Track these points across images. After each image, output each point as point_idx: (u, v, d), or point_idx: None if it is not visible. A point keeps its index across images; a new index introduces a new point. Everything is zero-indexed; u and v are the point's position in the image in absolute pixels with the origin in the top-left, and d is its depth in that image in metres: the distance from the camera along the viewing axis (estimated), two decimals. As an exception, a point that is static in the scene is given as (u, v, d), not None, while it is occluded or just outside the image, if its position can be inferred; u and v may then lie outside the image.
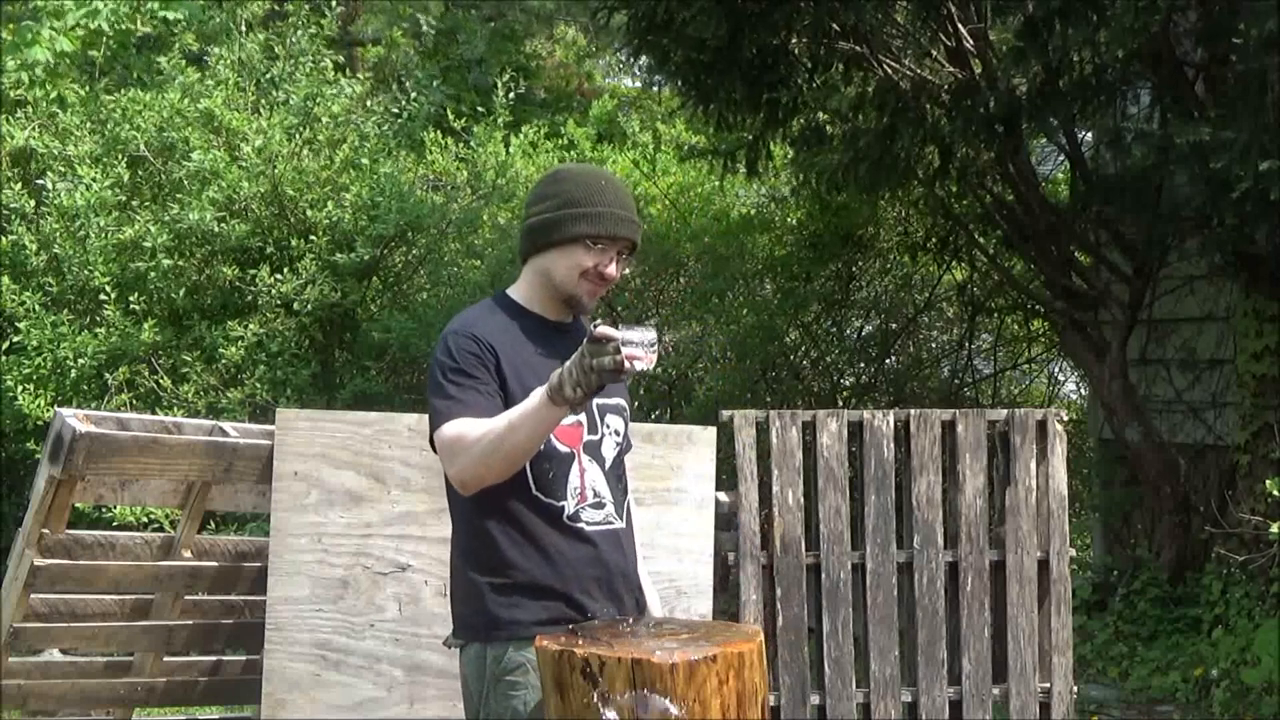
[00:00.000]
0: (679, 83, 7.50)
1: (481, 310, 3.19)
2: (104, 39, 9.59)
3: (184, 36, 9.35)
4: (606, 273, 3.12)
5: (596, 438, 3.13)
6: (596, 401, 3.09)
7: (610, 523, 3.11)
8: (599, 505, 3.10)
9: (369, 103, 9.64)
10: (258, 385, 7.97)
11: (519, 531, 3.03)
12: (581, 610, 3.05)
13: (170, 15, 9.89)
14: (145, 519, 7.54)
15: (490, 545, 3.03)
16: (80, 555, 4.51)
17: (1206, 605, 6.86)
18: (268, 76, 9.35)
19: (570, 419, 3.02)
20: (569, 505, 3.06)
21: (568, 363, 2.82)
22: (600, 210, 3.10)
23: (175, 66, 9.19)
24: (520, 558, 3.03)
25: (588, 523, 3.08)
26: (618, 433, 3.17)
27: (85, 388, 8.03)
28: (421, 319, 8.80)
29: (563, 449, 3.07)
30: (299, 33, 9.40)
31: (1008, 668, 4.97)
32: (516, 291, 3.20)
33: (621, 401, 3.22)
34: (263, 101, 9.22)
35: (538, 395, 2.87)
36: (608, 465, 3.13)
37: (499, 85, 9.84)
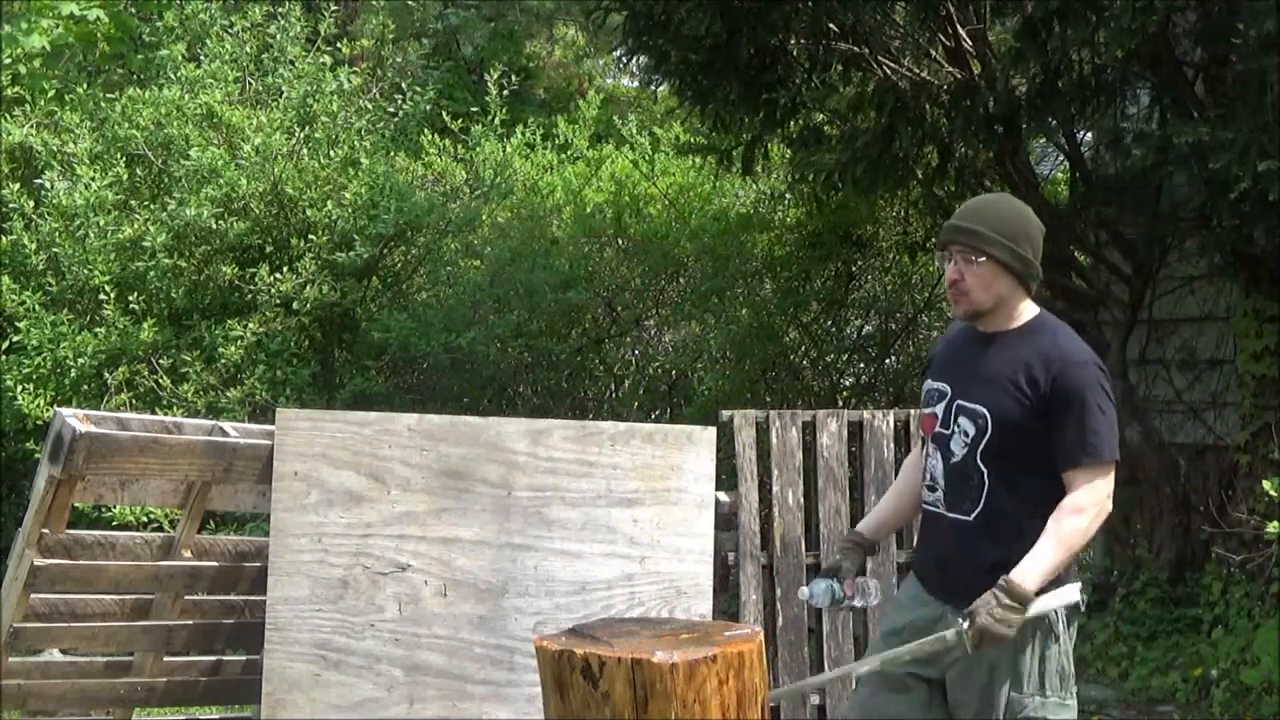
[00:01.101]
0: (676, 82, 7.49)
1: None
2: (102, 29, 9.59)
3: (175, 48, 9.34)
4: (947, 277, 3.51)
5: (946, 433, 3.49)
6: (959, 402, 3.47)
7: (936, 507, 3.52)
8: (932, 488, 3.53)
9: (364, 100, 9.64)
10: (257, 385, 7.97)
11: None
12: (919, 571, 3.62)
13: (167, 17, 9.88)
14: (145, 519, 7.54)
15: None
16: (80, 555, 4.51)
17: (1206, 605, 6.86)
18: (259, 72, 9.35)
19: (930, 409, 3.55)
20: (921, 482, 3.61)
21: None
22: None
23: (173, 59, 9.19)
24: None
25: (924, 501, 3.59)
26: (967, 434, 3.45)
27: (85, 387, 8.03)
28: (421, 319, 8.81)
29: (921, 433, 3.63)
30: (290, 32, 9.40)
31: (1007, 667, 4.96)
32: None
33: (980, 408, 3.44)
34: (258, 88, 9.22)
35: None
36: (954, 460, 3.46)
37: (491, 84, 9.84)
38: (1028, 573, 3.31)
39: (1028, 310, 3.55)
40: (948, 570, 3.48)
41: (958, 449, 3.45)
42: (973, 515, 3.42)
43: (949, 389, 3.51)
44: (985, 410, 3.41)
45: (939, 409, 3.51)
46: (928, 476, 3.52)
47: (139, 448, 4.33)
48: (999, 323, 3.52)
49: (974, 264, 3.45)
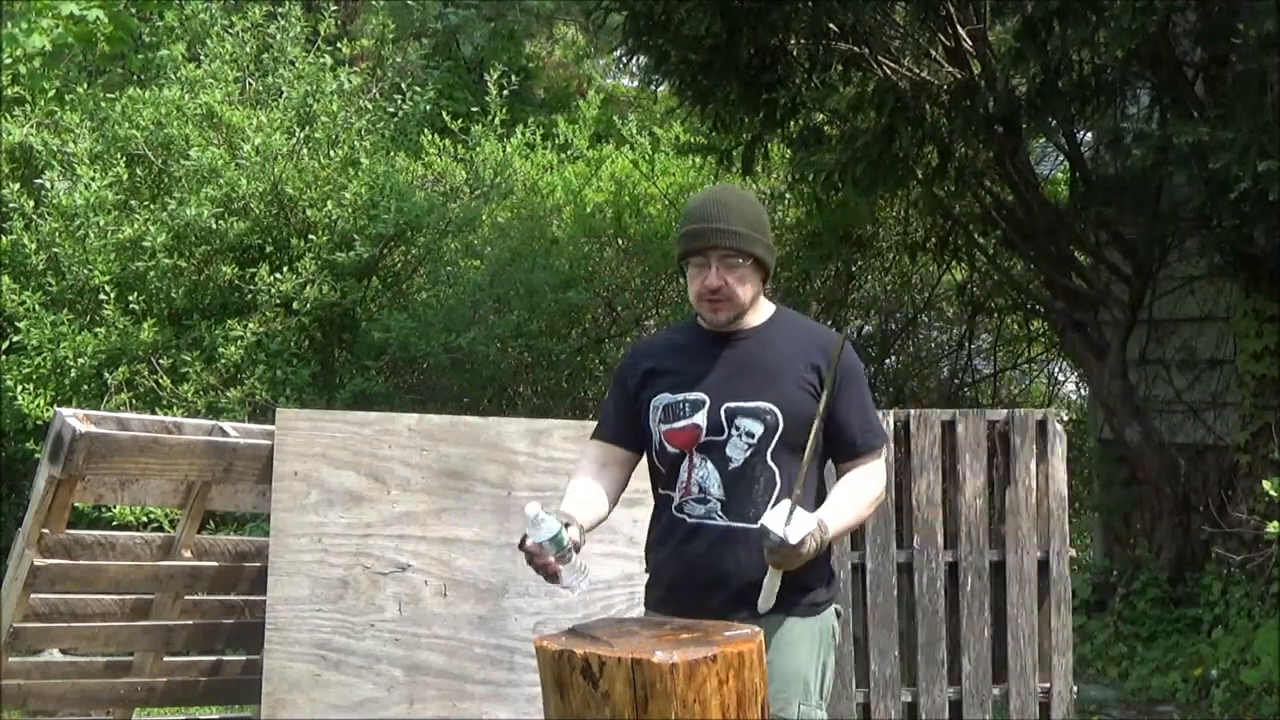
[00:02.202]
0: (676, 82, 7.49)
1: (662, 328, 3.51)
2: (102, 29, 9.58)
3: (175, 48, 9.34)
4: (708, 284, 3.29)
5: (720, 439, 3.26)
6: (729, 405, 3.26)
7: (711, 518, 3.25)
8: (702, 500, 3.27)
9: (364, 100, 9.64)
10: (257, 385, 7.97)
11: (653, 520, 3.42)
12: (671, 591, 3.30)
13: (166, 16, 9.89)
14: (145, 519, 7.54)
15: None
16: (80, 555, 4.52)
17: (1206, 605, 6.87)
18: (259, 72, 9.36)
19: (685, 421, 3.29)
20: (675, 497, 3.30)
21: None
22: (685, 230, 3.35)
23: (173, 58, 9.19)
24: (650, 543, 3.42)
25: (689, 515, 3.28)
26: (751, 435, 3.25)
27: (85, 387, 8.03)
28: (421, 319, 8.81)
29: (672, 450, 3.31)
30: (290, 32, 9.40)
31: (1008, 668, 4.97)
32: None
33: (765, 405, 3.26)
34: (258, 89, 9.22)
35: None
36: (733, 465, 3.25)
37: (491, 84, 9.84)
38: (833, 525, 3.19)
39: (766, 302, 3.42)
40: (727, 584, 3.21)
41: (737, 454, 3.24)
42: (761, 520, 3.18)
43: (706, 396, 3.28)
44: (774, 406, 3.24)
45: (699, 418, 3.26)
46: (694, 489, 3.26)
47: (139, 448, 4.33)
48: (745, 320, 3.35)
49: (737, 267, 3.28)
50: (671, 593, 3.29)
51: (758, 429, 3.24)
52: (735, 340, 3.34)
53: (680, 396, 3.30)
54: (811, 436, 3.20)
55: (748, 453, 3.24)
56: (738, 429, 3.24)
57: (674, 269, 9.43)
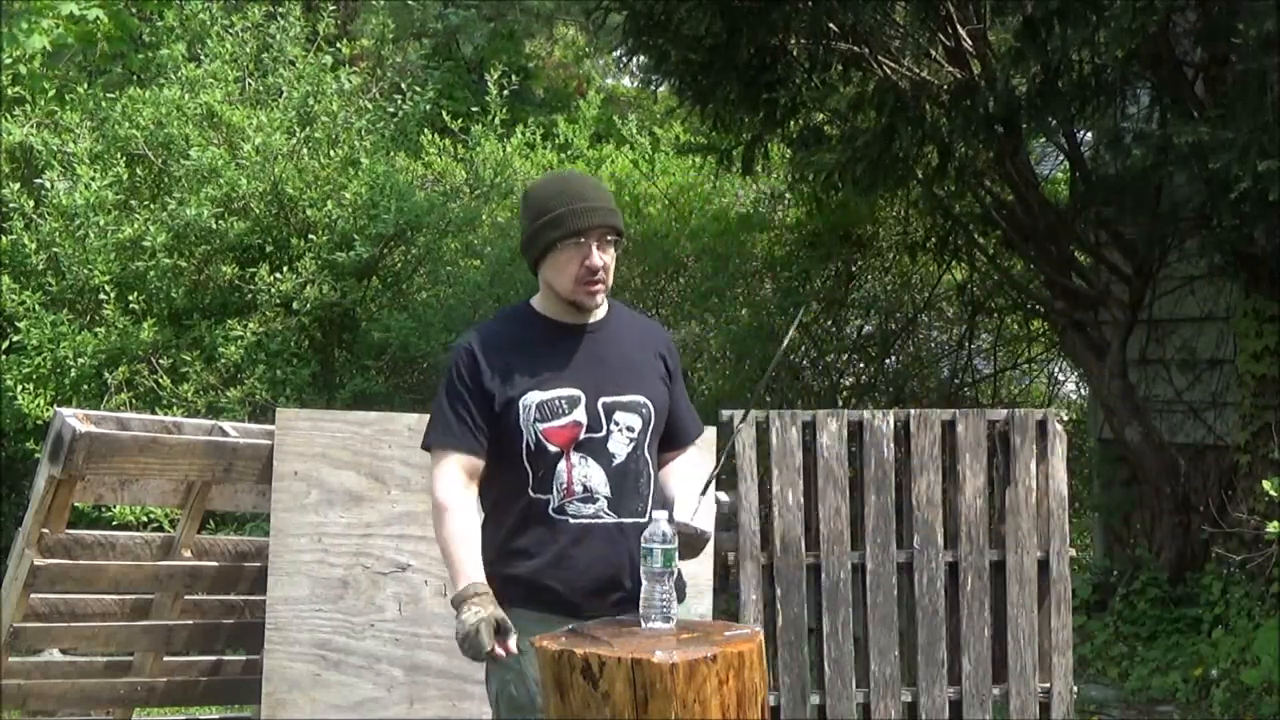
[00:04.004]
0: (676, 82, 7.50)
1: (491, 321, 3.39)
2: (102, 29, 9.59)
3: (175, 48, 9.34)
4: (590, 264, 3.19)
5: (600, 435, 3.19)
6: (605, 399, 3.20)
7: (600, 517, 3.17)
8: (589, 499, 3.18)
9: (364, 100, 9.64)
10: (257, 385, 7.97)
11: (516, 525, 3.19)
12: (558, 597, 3.14)
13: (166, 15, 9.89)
14: (145, 519, 7.54)
15: (487, 541, 3.19)
16: (80, 555, 4.52)
17: (1206, 605, 6.87)
18: (259, 72, 9.36)
19: (565, 419, 3.16)
20: (554, 499, 3.17)
21: (477, 608, 2.99)
22: (563, 211, 3.20)
23: (173, 58, 9.19)
24: (519, 549, 3.18)
25: (573, 516, 3.16)
26: (631, 429, 3.21)
27: (85, 387, 8.03)
28: (421, 318, 8.81)
29: (551, 449, 3.17)
30: (290, 32, 9.40)
31: (1008, 668, 4.98)
32: (536, 299, 3.33)
33: (639, 398, 3.24)
34: (258, 89, 9.22)
35: (461, 576, 3.07)
36: (616, 461, 3.19)
37: (491, 84, 9.85)
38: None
39: None
40: (622, 582, 3.15)
41: (619, 449, 3.19)
42: (646, 514, 3.16)
43: (580, 391, 3.18)
44: (647, 400, 3.23)
45: (579, 415, 3.17)
46: (578, 489, 3.15)
47: (139, 447, 4.33)
48: (593, 312, 3.28)
49: (612, 246, 3.24)
50: (559, 596, 3.14)
51: (637, 423, 3.22)
52: (586, 332, 3.26)
53: (552, 393, 3.17)
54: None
55: (630, 447, 3.20)
56: (617, 424, 3.20)
57: (674, 269, 9.45)
